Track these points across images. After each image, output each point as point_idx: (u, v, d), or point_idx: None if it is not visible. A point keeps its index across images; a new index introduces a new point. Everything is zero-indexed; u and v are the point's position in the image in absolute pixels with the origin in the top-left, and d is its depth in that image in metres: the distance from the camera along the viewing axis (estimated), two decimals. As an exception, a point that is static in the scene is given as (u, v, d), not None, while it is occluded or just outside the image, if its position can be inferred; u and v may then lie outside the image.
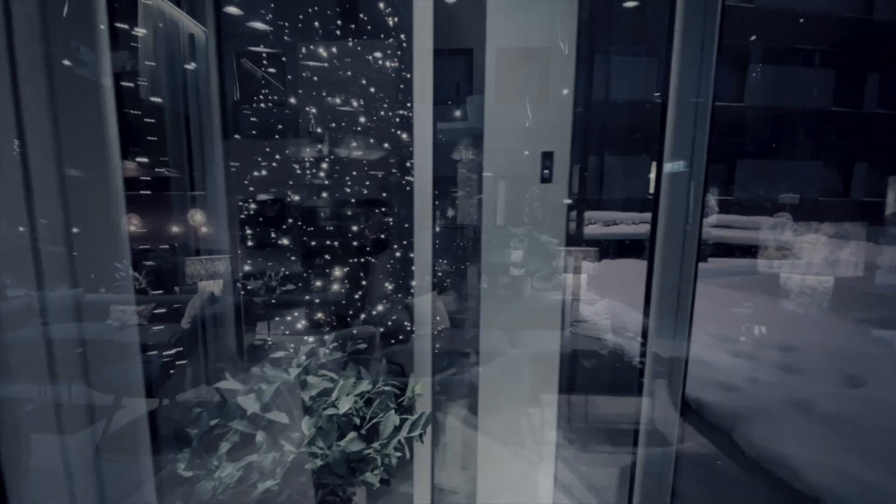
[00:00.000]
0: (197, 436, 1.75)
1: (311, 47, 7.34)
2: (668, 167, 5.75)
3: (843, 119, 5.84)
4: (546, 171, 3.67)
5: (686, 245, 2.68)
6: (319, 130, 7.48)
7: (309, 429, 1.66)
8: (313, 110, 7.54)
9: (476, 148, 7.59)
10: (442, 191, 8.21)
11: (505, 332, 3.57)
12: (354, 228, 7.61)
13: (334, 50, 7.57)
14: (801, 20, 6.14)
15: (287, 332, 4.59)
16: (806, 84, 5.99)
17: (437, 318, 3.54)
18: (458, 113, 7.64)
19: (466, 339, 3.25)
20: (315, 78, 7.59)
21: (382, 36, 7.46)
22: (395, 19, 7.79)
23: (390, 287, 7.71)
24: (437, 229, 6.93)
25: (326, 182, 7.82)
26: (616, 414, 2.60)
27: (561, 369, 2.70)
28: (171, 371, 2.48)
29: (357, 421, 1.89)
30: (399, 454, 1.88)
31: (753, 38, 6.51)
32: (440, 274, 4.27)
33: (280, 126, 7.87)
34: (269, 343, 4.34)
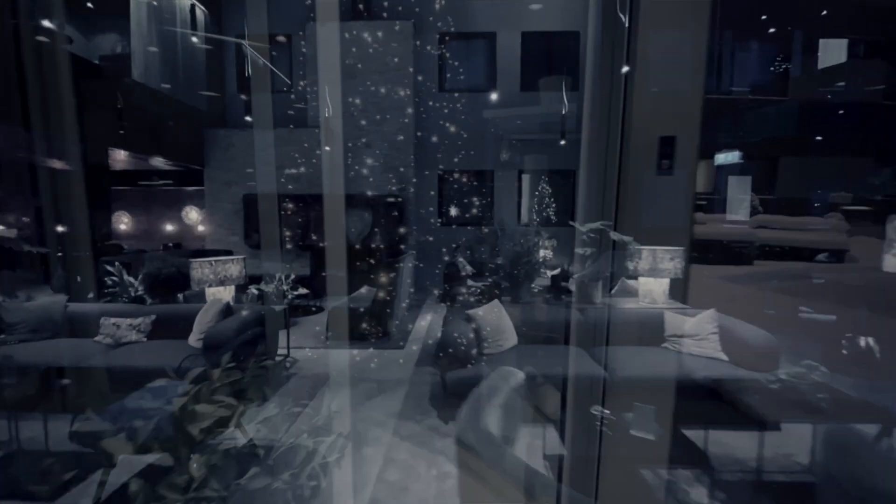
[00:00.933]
0: (47, 494, 1.54)
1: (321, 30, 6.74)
2: (720, 158, 5.16)
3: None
4: (665, 161, 3.16)
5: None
6: (329, 116, 6.90)
7: (199, 469, 1.39)
8: (326, 96, 6.96)
9: (546, 139, 7.02)
10: (504, 186, 7.63)
11: (587, 349, 3.06)
12: (369, 226, 7.05)
13: (342, 33, 7.01)
14: (850, 7, 5.81)
15: (325, 341, 3.97)
16: (855, 76, 5.67)
17: (485, 331, 3.01)
18: (494, 96, 7.10)
19: (540, 357, 2.73)
20: (323, 61, 7.00)
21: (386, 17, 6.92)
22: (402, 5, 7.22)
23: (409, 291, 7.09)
24: (486, 230, 6.29)
25: (333, 176, 7.24)
26: (751, 457, 2.12)
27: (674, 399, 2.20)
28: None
29: (261, 452, 1.64)
30: (314, 483, 1.65)
31: (797, 27, 6.17)
32: (489, 278, 3.76)
33: (286, 115, 7.25)
34: (290, 360, 3.75)
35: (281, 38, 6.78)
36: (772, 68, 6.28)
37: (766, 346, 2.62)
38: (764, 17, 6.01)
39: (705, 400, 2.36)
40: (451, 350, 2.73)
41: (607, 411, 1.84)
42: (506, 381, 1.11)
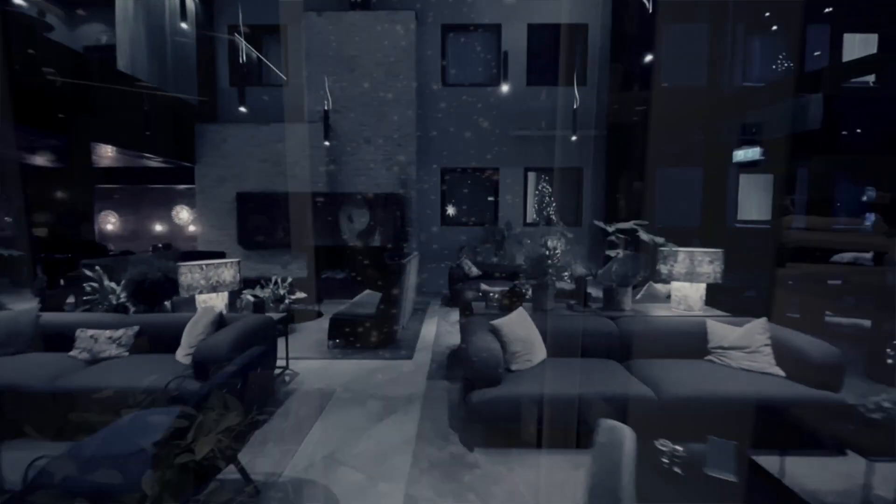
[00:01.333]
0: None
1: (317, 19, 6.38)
2: (739, 155, 4.83)
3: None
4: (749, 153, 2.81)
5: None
6: (328, 110, 6.52)
7: (151, 487, 1.28)
8: (326, 90, 6.59)
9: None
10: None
11: (623, 362, 2.73)
12: (365, 227, 6.69)
13: (340, 23, 6.64)
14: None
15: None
16: (887, 69, 5.41)
17: (512, 344, 2.69)
18: (500, 91, 6.73)
19: (575, 374, 2.41)
20: (321, 53, 6.62)
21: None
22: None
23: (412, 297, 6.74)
24: (505, 230, 5.90)
25: (332, 172, 6.85)
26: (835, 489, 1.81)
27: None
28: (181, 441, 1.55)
29: (222, 464, 1.51)
30: (280, 495, 1.69)
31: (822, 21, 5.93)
32: (516, 282, 3.45)
33: (280, 110, 6.88)
34: (290, 373, 3.40)
35: (245, 30, 6.42)
36: (793, 63, 6.01)
37: (829, 361, 2.32)
38: (781, 11, 5.75)
39: (780, 426, 2.06)
40: (474, 366, 2.40)
41: (679, 448, 1.52)
42: (620, 445, 0.81)
